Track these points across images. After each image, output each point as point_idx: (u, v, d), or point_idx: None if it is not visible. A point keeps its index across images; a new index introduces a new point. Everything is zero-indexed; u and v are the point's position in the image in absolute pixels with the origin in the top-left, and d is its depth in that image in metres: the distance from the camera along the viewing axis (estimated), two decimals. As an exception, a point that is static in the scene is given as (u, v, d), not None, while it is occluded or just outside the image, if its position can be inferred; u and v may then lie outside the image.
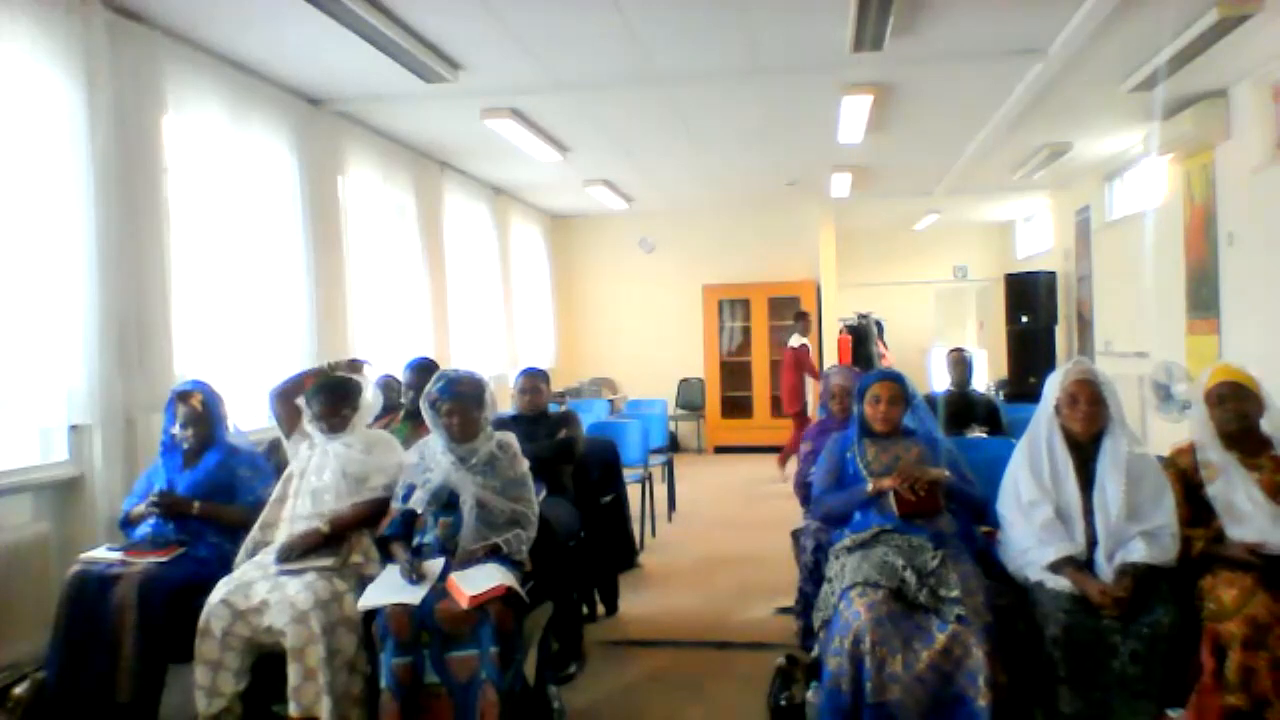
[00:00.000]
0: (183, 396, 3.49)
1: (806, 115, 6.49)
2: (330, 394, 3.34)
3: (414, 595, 2.81)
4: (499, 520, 3.08)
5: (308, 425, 3.41)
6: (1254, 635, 2.54)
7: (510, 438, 3.30)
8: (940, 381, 5.83)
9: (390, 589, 2.87)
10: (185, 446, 3.47)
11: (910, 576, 2.80)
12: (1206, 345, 6.34)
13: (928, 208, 11.01)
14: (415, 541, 3.10)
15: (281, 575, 2.98)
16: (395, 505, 3.15)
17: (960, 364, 5.62)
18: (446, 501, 3.09)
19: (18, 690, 3.09)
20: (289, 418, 3.45)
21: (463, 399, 3.15)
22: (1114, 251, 8.57)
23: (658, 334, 10.86)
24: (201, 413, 3.47)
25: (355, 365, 3.57)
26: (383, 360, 5.90)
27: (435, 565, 2.94)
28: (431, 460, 3.15)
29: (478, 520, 3.04)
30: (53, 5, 3.62)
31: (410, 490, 3.13)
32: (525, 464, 3.27)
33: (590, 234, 11.03)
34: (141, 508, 3.36)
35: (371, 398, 3.50)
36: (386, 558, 3.10)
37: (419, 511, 3.10)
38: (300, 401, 3.46)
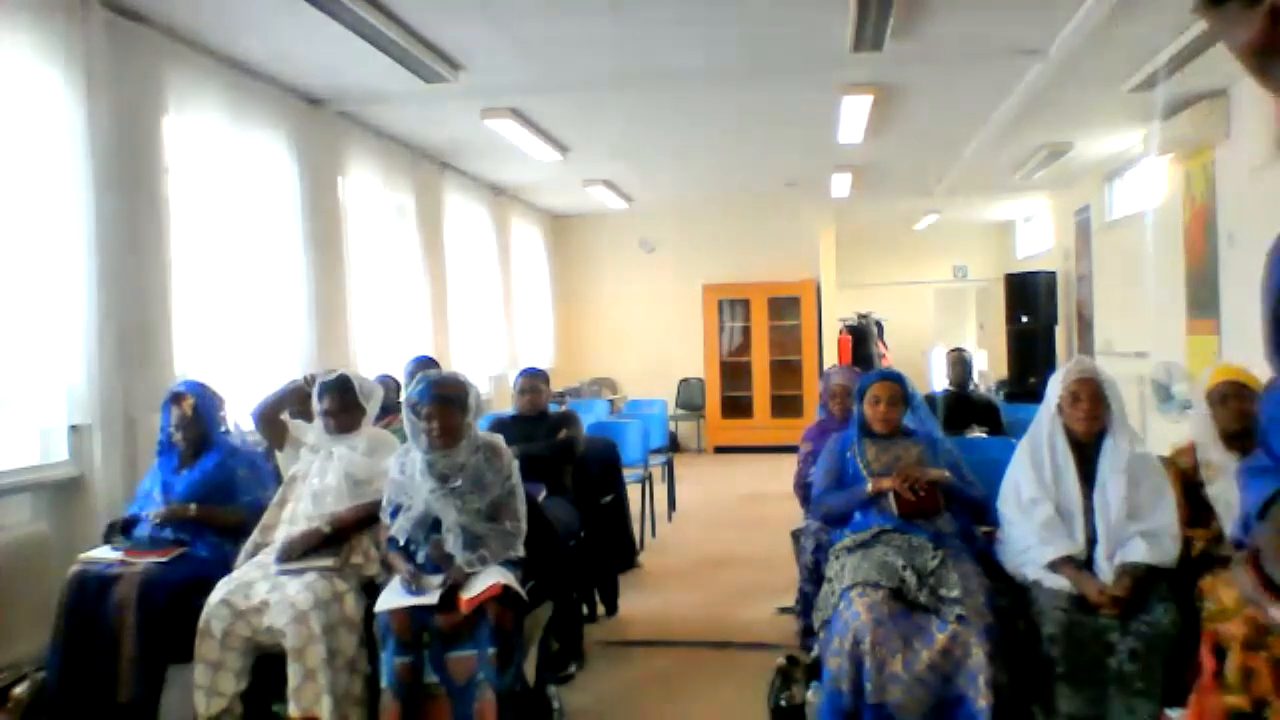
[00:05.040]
0: (175, 399, 3.45)
1: (806, 115, 6.49)
2: (340, 392, 3.34)
3: (431, 598, 2.77)
4: (487, 534, 2.96)
5: (306, 434, 3.42)
6: (1254, 635, 2.54)
7: (498, 440, 3.14)
8: (940, 381, 5.84)
9: (405, 594, 2.84)
10: (183, 448, 3.47)
11: (910, 576, 2.80)
12: (1206, 345, 6.33)
13: (928, 208, 11.01)
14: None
15: (281, 575, 2.98)
16: (385, 520, 3.05)
17: (959, 364, 5.63)
18: (433, 524, 2.97)
19: (18, 690, 3.08)
20: (274, 435, 3.44)
21: (444, 402, 2.95)
22: (1114, 251, 8.57)
23: (658, 334, 10.85)
24: (192, 416, 3.42)
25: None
26: (382, 360, 5.91)
27: (434, 580, 2.88)
28: (411, 483, 2.99)
29: (464, 542, 2.91)
30: (52, 5, 3.62)
31: (396, 510, 3.02)
32: (515, 469, 3.11)
33: (590, 234, 11.03)
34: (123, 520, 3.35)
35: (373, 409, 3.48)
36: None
37: (401, 543, 2.98)
38: (285, 417, 3.46)
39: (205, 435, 3.45)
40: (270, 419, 3.43)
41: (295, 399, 3.46)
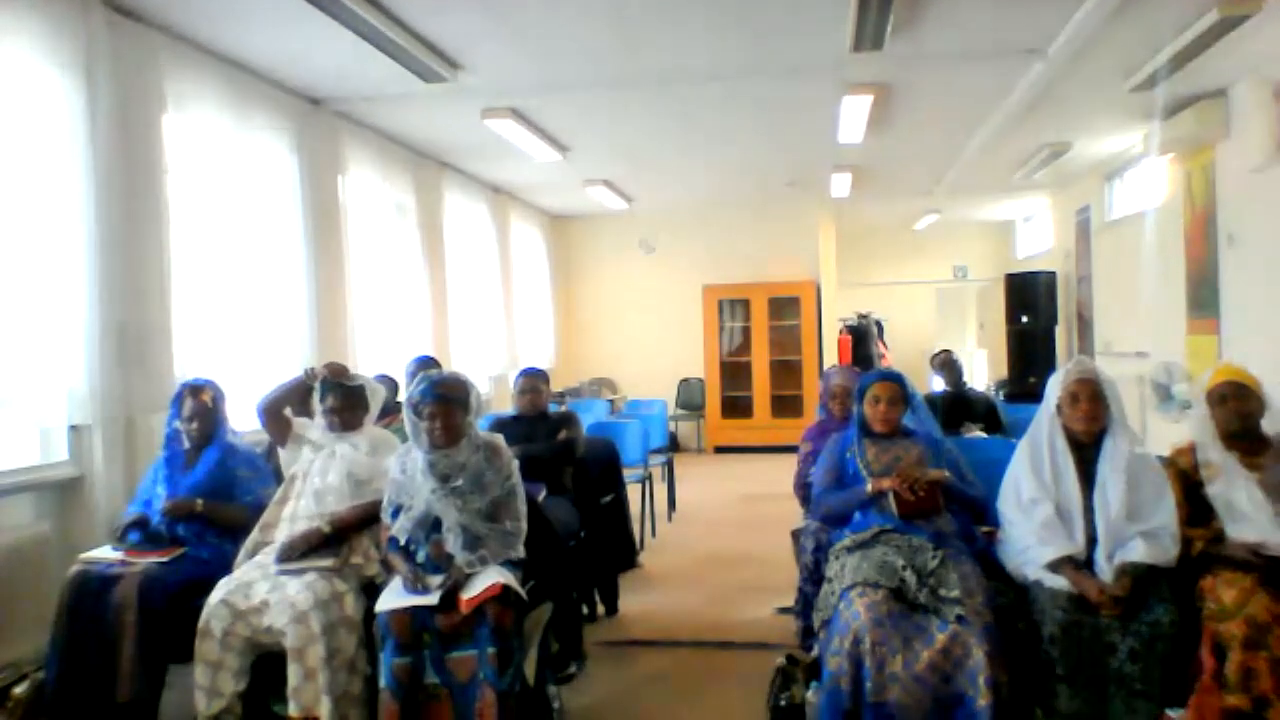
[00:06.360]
0: (194, 391, 3.49)
1: (806, 115, 6.49)
2: (345, 391, 3.34)
3: (432, 599, 2.78)
4: (487, 535, 2.96)
5: (309, 431, 3.42)
6: (1254, 635, 2.54)
7: (498, 440, 3.14)
8: (939, 383, 5.85)
9: (406, 594, 2.84)
10: (187, 444, 3.48)
11: (910, 576, 2.80)
12: (1206, 345, 6.34)
13: (928, 208, 11.01)
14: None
15: (281, 575, 2.98)
16: (386, 520, 3.06)
17: (949, 365, 5.65)
18: (434, 524, 2.97)
19: (18, 690, 3.09)
20: (278, 429, 3.45)
21: (446, 401, 2.96)
22: (1114, 251, 8.57)
23: (658, 334, 10.86)
24: (210, 409, 3.48)
25: (335, 369, 3.42)
26: (382, 360, 5.91)
27: (435, 580, 2.88)
28: (412, 483, 2.99)
29: (464, 543, 2.91)
30: (53, 5, 3.62)
31: (397, 510, 3.02)
32: (515, 469, 3.11)
33: (590, 234, 11.03)
34: (136, 517, 3.35)
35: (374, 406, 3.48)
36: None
37: (402, 543, 2.98)
38: (288, 412, 3.46)
39: (213, 430, 3.49)
40: (274, 414, 3.43)
41: (298, 394, 3.46)
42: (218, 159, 4.75)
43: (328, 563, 3.03)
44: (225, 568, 3.13)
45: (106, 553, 3.24)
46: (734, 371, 10.83)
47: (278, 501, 3.29)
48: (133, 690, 2.95)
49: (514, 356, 8.75)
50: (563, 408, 4.90)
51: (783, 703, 3.05)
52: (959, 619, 2.65)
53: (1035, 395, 3.33)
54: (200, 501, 3.32)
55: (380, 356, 6.05)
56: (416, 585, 2.83)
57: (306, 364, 4.14)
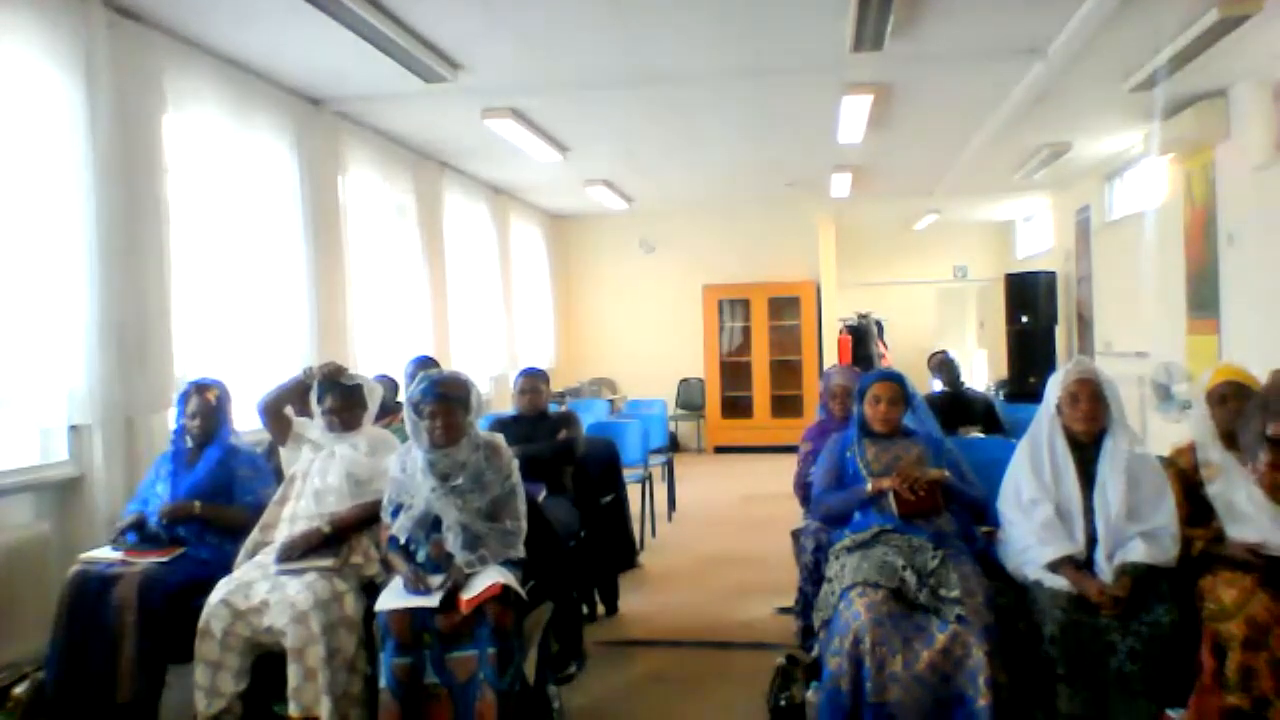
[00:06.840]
0: (200, 389, 3.51)
1: (806, 115, 6.49)
2: (343, 391, 3.35)
3: (433, 600, 2.78)
4: (487, 534, 2.96)
5: (309, 431, 3.42)
6: (1254, 635, 2.54)
7: (498, 439, 3.15)
8: (936, 385, 5.85)
9: (406, 594, 2.84)
10: (190, 442, 3.48)
11: (910, 576, 2.80)
12: (1206, 345, 6.34)
13: (928, 208, 11.01)
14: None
15: (281, 575, 2.98)
16: (386, 519, 3.06)
17: (945, 365, 5.65)
18: (434, 523, 2.96)
19: (18, 690, 3.09)
20: (278, 428, 3.45)
21: (447, 400, 2.97)
22: (1114, 251, 8.57)
23: (658, 334, 10.86)
24: (214, 407, 3.49)
25: (334, 370, 3.42)
26: (382, 360, 5.91)
27: (435, 580, 2.88)
28: (412, 482, 3.00)
29: (464, 542, 2.90)
30: (53, 5, 3.62)
31: (397, 509, 3.03)
32: (515, 469, 3.11)
33: (590, 234, 11.03)
34: (134, 519, 3.35)
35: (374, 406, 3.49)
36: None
37: (402, 541, 2.98)
38: (289, 411, 3.46)
39: (216, 430, 3.49)
40: (274, 413, 3.44)
41: (296, 394, 3.46)
42: (218, 159, 4.75)
43: (328, 563, 3.03)
44: (225, 568, 3.13)
45: (106, 553, 3.24)
46: (734, 371, 10.84)
47: (277, 501, 3.29)
48: (133, 690, 2.95)
49: (514, 356, 8.75)
50: (563, 408, 4.90)
51: (783, 703, 3.05)
52: (959, 619, 2.65)
53: (1035, 395, 3.33)
54: (198, 505, 3.32)
55: (380, 356, 6.05)
56: (417, 585, 2.83)
57: (307, 363, 4.14)
